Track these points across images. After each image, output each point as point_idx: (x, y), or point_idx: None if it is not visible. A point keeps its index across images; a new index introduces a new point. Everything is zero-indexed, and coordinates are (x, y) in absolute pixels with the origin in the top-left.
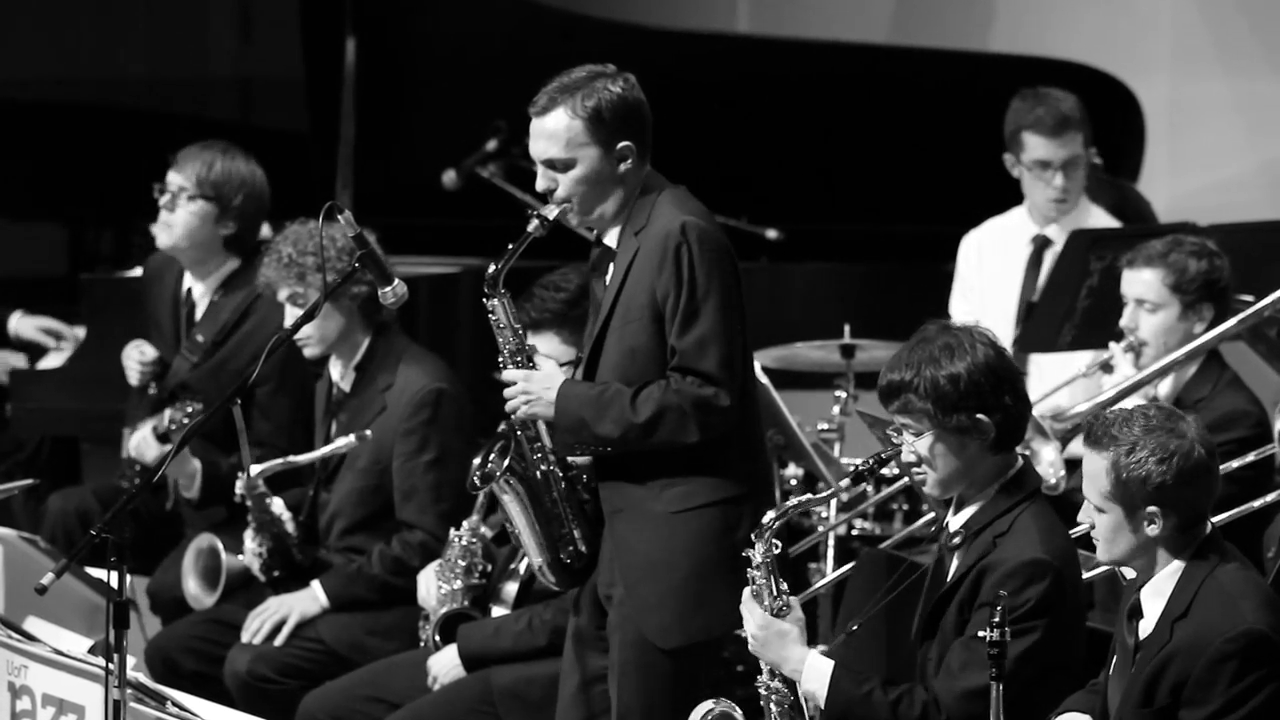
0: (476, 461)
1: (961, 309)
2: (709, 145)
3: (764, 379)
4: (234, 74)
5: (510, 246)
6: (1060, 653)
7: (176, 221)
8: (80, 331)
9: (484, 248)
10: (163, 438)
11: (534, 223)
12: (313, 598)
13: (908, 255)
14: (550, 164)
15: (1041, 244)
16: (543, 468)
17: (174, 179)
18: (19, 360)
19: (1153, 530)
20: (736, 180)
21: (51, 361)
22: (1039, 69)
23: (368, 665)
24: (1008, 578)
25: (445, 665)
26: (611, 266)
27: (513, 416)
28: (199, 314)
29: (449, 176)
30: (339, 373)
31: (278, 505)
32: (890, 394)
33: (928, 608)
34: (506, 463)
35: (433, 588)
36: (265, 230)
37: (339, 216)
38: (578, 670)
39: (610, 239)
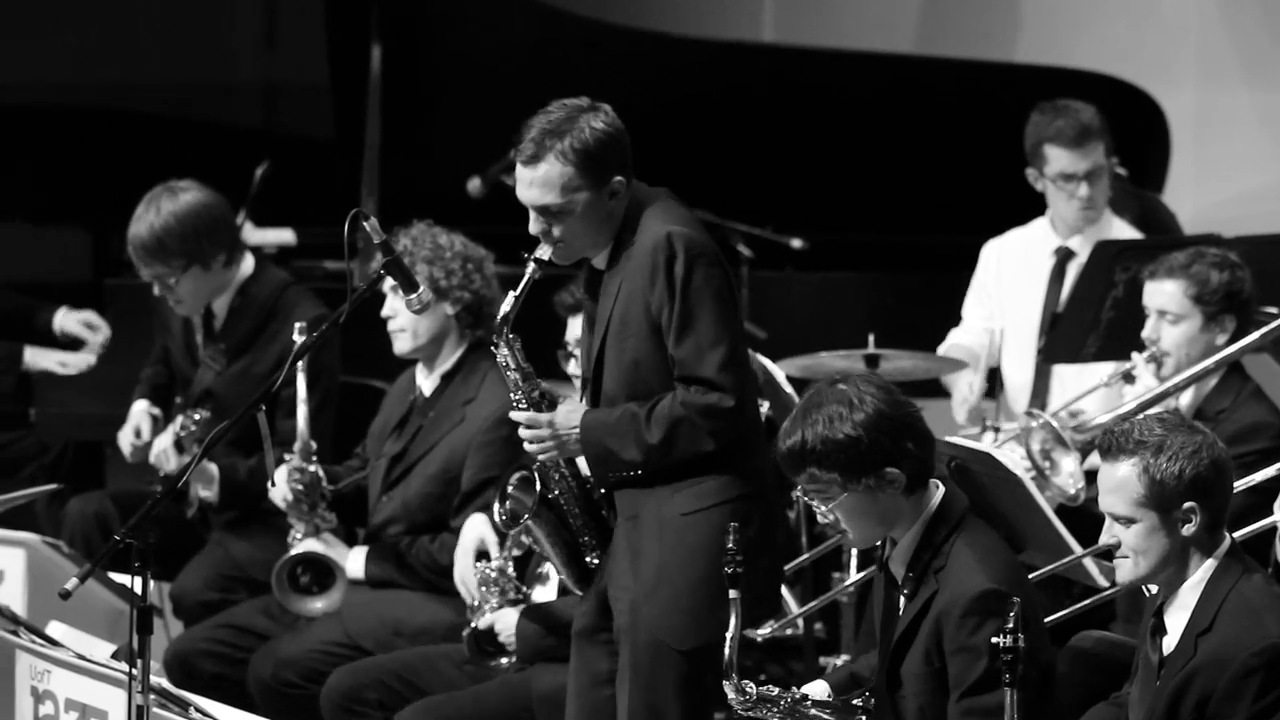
0: (496, 506)
1: (976, 313)
2: (733, 154)
3: (788, 388)
4: (259, 80)
5: (513, 294)
6: (1042, 669)
7: (185, 295)
8: (105, 334)
9: (509, 255)
10: (178, 445)
11: (531, 266)
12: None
13: (933, 265)
14: (544, 210)
15: (1065, 255)
16: (561, 486)
17: (146, 271)
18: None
19: (1188, 530)
20: (761, 189)
21: (77, 365)
22: (1064, 80)
23: (408, 650)
24: (964, 618)
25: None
26: (603, 285)
27: (539, 459)
28: (218, 323)
29: (474, 184)
30: (423, 377)
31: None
32: (793, 465)
33: (886, 653)
34: (533, 503)
35: (471, 583)
36: (290, 236)
37: (364, 223)
38: (585, 671)
39: (599, 261)
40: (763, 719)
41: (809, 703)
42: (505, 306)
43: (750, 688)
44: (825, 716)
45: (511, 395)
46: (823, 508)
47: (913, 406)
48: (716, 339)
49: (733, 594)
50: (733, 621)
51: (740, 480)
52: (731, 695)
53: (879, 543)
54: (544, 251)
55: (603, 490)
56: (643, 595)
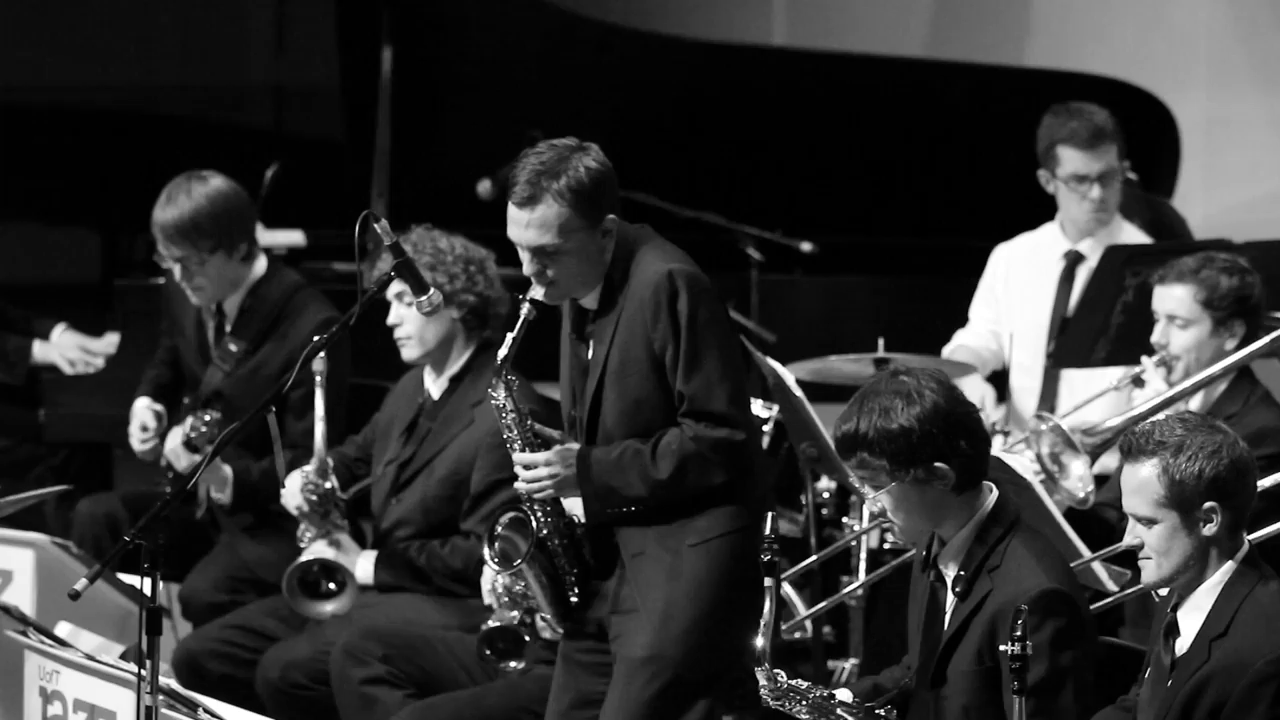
0: (486, 549)
1: (982, 315)
2: (743, 157)
3: (798, 391)
4: (270, 82)
5: (511, 336)
6: (1094, 673)
7: (205, 283)
8: (113, 339)
9: (518, 258)
10: (189, 445)
11: (526, 307)
12: (364, 567)
13: (942, 268)
14: (540, 250)
15: (1074, 259)
16: (548, 525)
17: (173, 253)
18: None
19: (1209, 530)
20: (771, 192)
21: (83, 368)
22: (1075, 84)
23: (429, 634)
24: (1027, 617)
25: None
26: (594, 325)
27: (537, 496)
28: (229, 323)
29: (484, 186)
30: (431, 380)
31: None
32: (845, 449)
33: (929, 651)
34: (528, 550)
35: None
36: (300, 237)
37: (375, 225)
38: (569, 690)
39: (589, 301)
40: (789, 710)
41: (835, 702)
42: (503, 350)
43: (781, 677)
44: (849, 718)
45: (505, 437)
46: (871, 493)
47: (972, 406)
48: (724, 374)
49: (768, 582)
50: (767, 608)
51: (744, 510)
52: (763, 682)
53: (920, 544)
54: (538, 292)
55: (584, 528)
56: (650, 624)
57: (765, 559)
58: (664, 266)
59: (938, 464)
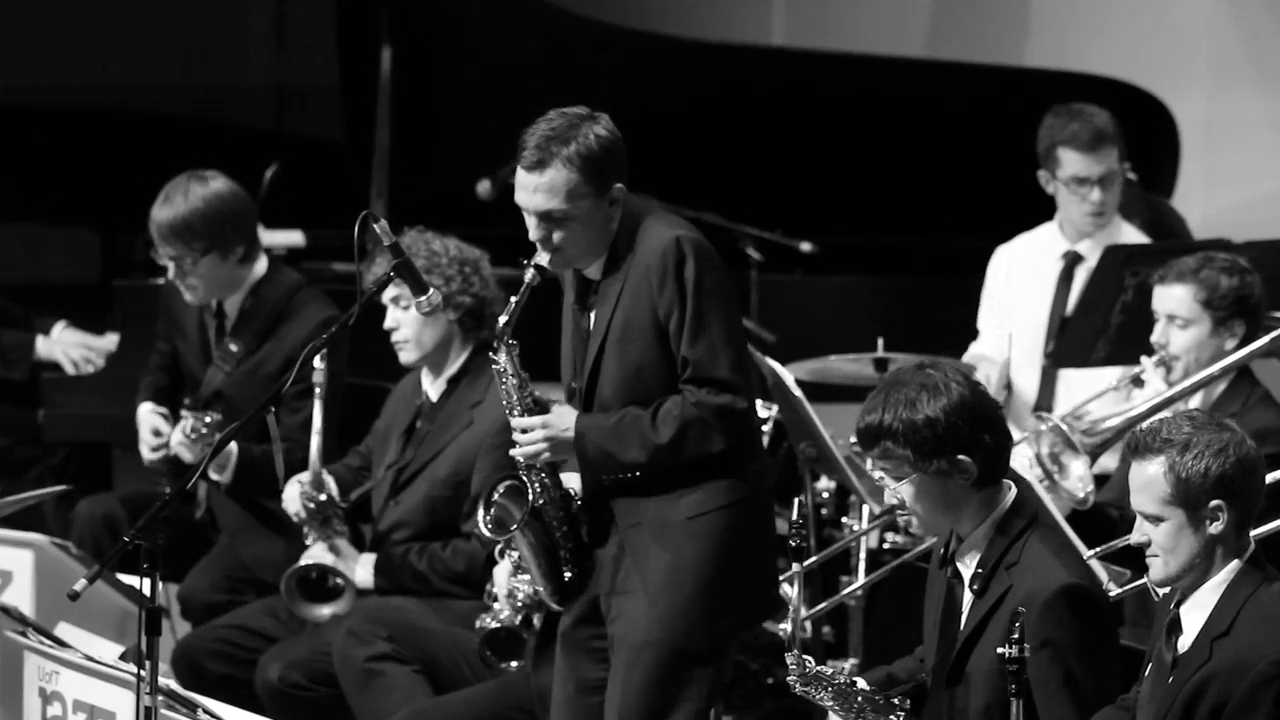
0: (481, 514)
1: (990, 323)
2: (742, 157)
3: (797, 391)
4: (269, 82)
5: (513, 300)
6: (1119, 665)
7: (198, 282)
8: (113, 339)
9: (513, 258)
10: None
11: (530, 272)
12: (363, 571)
13: (942, 268)
14: (547, 215)
15: (1073, 260)
16: (545, 496)
17: (166, 251)
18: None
19: (1215, 528)
20: (770, 192)
21: (83, 367)
22: (1074, 84)
23: (430, 626)
24: (1047, 613)
25: None
26: (597, 293)
27: (532, 459)
28: (230, 323)
29: (484, 186)
30: (429, 382)
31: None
32: (868, 439)
33: (946, 648)
34: (523, 516)
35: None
36: (299, 238)
37: (374, 225)
38: (573, 677)
39: (593, 270)
40: (814, 696)
41: (856, 689)
42: (505, 314)
43: (810, 662)
44: (869, 706)
45: (504, 403)
46: (892, 484)
47: (995, 402)
48: (728, 341)
49: (796, 567)
50: (795, 594)
51: (743, 484)
52: (792, 665)
53: (935, 540)
54: (543, 258)
55: (582, 504)
56: (649, 598)
57: (793, 545)
58: (671, 233)
59: (961, 457)
